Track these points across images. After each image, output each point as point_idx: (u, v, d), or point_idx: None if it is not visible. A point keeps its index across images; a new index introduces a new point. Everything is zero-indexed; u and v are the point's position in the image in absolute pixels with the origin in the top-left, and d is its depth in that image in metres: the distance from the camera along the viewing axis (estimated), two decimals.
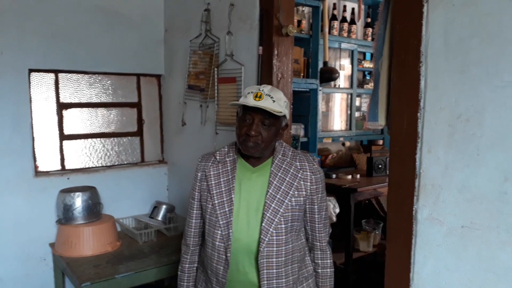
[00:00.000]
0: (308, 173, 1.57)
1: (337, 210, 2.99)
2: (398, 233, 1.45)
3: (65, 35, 2.68)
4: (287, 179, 1.55)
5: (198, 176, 1.64)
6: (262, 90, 1.48)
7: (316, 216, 1.62)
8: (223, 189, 1.57)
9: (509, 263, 1.20)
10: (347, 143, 4.14)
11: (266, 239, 1.50)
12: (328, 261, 1.68)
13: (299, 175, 1.56)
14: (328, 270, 1.68)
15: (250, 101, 1.46)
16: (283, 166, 1.57)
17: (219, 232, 1.54)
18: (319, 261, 1.67)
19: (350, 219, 3.17)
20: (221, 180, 1.58)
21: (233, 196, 1.55)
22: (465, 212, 1.28)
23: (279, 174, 1.55)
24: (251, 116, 1.48)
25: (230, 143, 1.67)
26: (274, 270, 1.51)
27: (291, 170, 1.56)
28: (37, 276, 2.68)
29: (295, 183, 1.55)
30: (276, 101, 1.47)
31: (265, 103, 1.45)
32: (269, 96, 1.47)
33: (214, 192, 1.57)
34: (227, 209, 1.54)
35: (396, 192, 1.45)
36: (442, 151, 1.31)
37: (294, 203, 1.54)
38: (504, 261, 1.21)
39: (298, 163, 1.58)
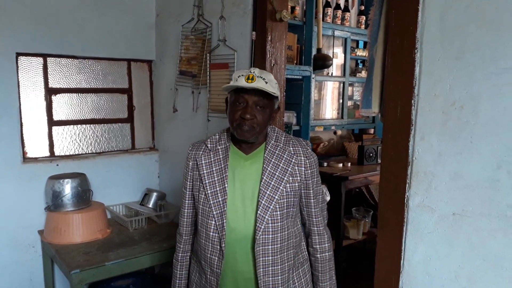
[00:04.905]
0: (302, 158, 1.55)
1: (328, 198, 2.99)
2: (389, 220, 1.45)
3: (55, 18, 2.61)
4: (281, 165, 1.52)
5: (190, 165, 1.61)
6: (253, 72, 1.45)
7: (312, 201, 1.60)
8: (215, 179, 1.53)
9: (499, 251, 1.20)
10: (339, 132, 4.16)
11: (262, 227, 1.48)
12: (326, 245, 1.65)
13: (293, 161, 1.54)
14: (327, 254, 1.66)
15: (243, 83, 1.42)
16: (277, 152, 1.54)
17: (213, 222, 1.51)
18: (317, 246, 1.64)
19: (341, 207, 3.19)
20: (214, 169, 1.55)
21: (226, 185, 1.52)
22: (456, 200, 1.28)
23: (273, 160, 1.53)
24: (245, 99, 1.45)
25: (221, 130, 1.63)
26: (270, 257, 1.50)
27: (285, 156, 1.54)
28: (26, 264, 2.65)
29: (289, 169, 1.53)
30: (268, 82, 1.44)
31: (258, 84, 1.42)
32: (261, 77, 1.44)
33: (207, 182, 1.54)
34: (220, 199, 1.51)
35: (388, 179, 1.45)
36: (435, 139, 1.31)
37: (289, 189, 1.52)
38: (494, 248, 1.21)
39: (291, 148, 1.56)
